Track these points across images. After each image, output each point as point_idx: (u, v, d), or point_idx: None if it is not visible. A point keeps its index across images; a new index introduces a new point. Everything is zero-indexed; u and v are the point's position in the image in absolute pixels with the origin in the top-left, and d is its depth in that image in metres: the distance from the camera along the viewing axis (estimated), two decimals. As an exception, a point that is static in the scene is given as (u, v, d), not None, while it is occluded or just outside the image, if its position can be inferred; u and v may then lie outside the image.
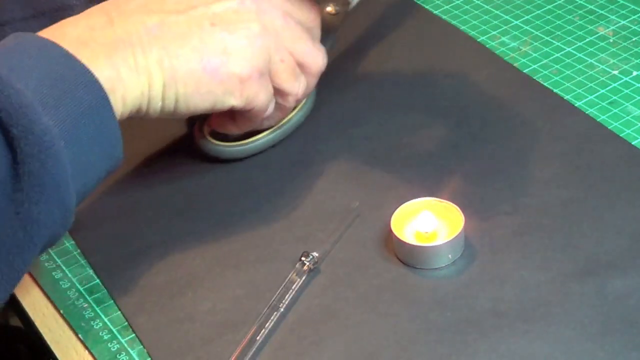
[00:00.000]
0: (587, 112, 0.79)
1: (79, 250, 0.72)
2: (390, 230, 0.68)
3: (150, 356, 0.64)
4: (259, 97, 0.71)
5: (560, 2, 0.93)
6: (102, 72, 0.63)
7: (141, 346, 0.65)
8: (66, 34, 0.66)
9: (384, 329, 0.63)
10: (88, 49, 0.64)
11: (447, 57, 0.87)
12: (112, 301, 0.68)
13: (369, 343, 0.63)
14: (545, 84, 0.83)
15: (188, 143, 0.81)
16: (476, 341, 0.62)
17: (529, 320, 0.62)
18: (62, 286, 0.70)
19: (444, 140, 0.78)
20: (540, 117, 0.79)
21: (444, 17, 0.92)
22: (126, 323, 0.66)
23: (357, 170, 0.76)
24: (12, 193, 0.57)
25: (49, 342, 0.67)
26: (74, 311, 0.68)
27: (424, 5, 0.94)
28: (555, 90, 0.82)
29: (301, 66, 0.73)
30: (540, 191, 0.72)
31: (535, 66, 0.85)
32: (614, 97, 0.80)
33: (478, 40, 0.89)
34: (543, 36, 0.89)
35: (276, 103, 0.74)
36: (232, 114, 0.74)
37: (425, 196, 0.70)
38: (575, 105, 0.80)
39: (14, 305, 0.71)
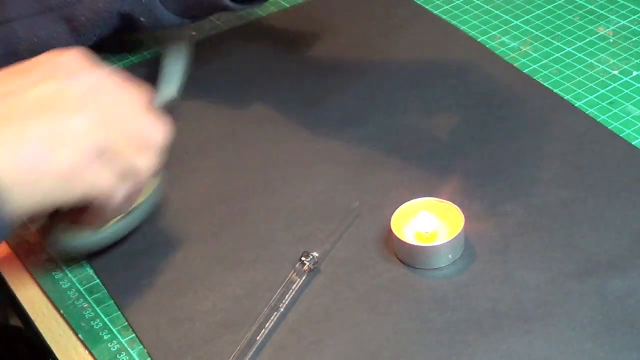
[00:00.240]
0: (587, 112, 0.79)
1: (79, 250, 0.72)
2: (390, 230, 0.68)
3: (150, 356, 0.64)
4: (98, 183, 0.63)
5: (560, 2, 0.93)
6: None
7: (141, 346, 0.65)
8: None
9: (384, 329, 0.63)
10: None
11: (447, 57, 0.87)
12: (112, 301, 0.68)
13: (369, 343, 0.63)
14: (545, 84, 0.83)
15: (189, 144, 0.81)
16: (476, 341, 0.62)
17: (529, 320, 0.62)
18: (62, 286, 0.70)
19: (444, 140, 0.78)
20: (540, 117, 0.79)
21: (444, 17, 0.92)
22: (126, 323, 0.66)
23: (357, 170, 0.76)
24: None
25: (49, 342, 0.67)
26: (74, 311, 0.68)
27: (424, 6, 0.94)
28: (555, 90, 0.82)
29: (141, 142, 0.66)
30: (540, 191, 0.72)
31: (535, 66, 0.85)
32: (614, 97, 0.80)
33: (478, 40, 0.89)
34: (543, 36, 0.89)
35: (123, 184, 0.66)
36: (83, 206, 0.66)
37: (425, 196, 0.70)
38: (575, 105, 0.80)
39: (14, 305, 0.71)
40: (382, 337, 0.63)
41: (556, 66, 0.85)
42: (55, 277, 0.70)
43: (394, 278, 0.67)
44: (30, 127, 0.60)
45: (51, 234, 0.70)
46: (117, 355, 0.64)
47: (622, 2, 0.92)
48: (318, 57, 0.89)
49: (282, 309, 0.65)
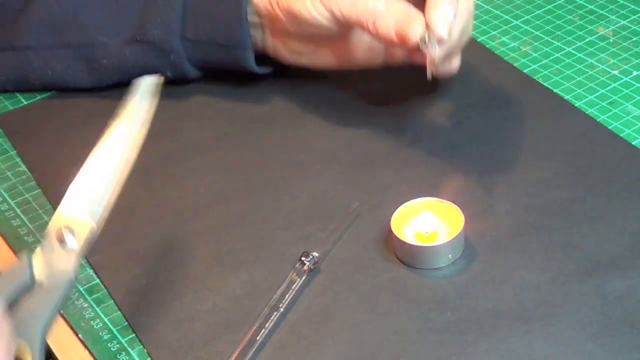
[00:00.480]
0: (587, 112, 0.79)
1: (79, 250, 0.72)
2: (390, 230, 0.68)
3: (150, 356, 0.64)
4: None
5: (560, 2, 0.93)
6: None
7: (141, 346, 0.65)
8: None
9: (384, 329, 0.63)
10: None
11: (447, 57, 0.87)
12: (112, 301, 0.68)
13: (369, 343, 0.63)
14: (545, 84, 0.83)
15: (188, 144, 0.81)
16: (476, 341, 0.62)
17: (529, 320, 0.62)
18: (62, 286, 0.70)
19: (444, 140, 0.78)
20: (540, 117, 0.79)
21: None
22: (126, 323, 0.66)
23: (357, 170, 0.76)
24: None
25: (49, 342, 0.67)
26: (74, 311, 0.68)
27: (424, 5, 0.94)
28: (555, 90, 0.82)
29: None
30: (540, 191, 0.72)
31: (535, 66, 0.85)
32: (614, 97, 0.80)
33: (478, 40, 0.89)
34: (543, 36, 0.89)
35: None
36: None
37: (425, 196, 0.70)
38: (575, 105, 0.80)
39: (14, 305, 0.71)
40: (382, 337, 0.63)
41: (556, 66, 0.85)
42: (55, 277, 0.70)
43: (394, 278, 0.67)
44: None
45: None
46: (117, 355, 0.64)
47: (622, 2, 0.92)
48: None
49: (282, 309, 0.65)
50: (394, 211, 0.69)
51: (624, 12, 0.91)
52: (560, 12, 0.92)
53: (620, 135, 0.76)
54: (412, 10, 0.72)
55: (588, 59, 0.85)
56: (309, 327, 0.64)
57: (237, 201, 0.75)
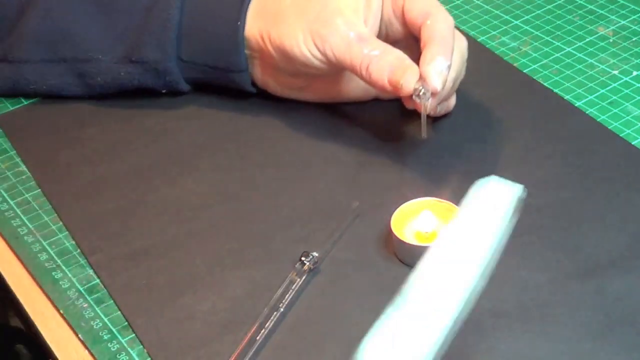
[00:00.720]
0: (587, 112, 0.79)
1: (79, 250, 0.72)
2: (390, 230, 0.68)
3: (150, 356, 0.64)
4: None
5: (560, 2, 0.93)
6: None
7: (141, 346, 0.65)
8: None
9: (384, 329, 0.63)
10: None
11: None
12: (112, 301, 0.68)
13: (369, 343, 0.62)
14: (545, 84, 0.83)
15: (188, 144, 0.81)
16: (476, 341, 0.62)
17: (529, 320, 0.62)
18: (62, 286, 0.70)
19: (444, 140, 0.78)
20: (540, 117, 0.79)
21: (444, 17, 0.92)
22: (126, 323, 0.66)
23: (357, 170, 0.76)
24: None
25: (49, 342, 0.67)
26: (74, 311, 0.68)
27: (424, 5, 0.94)
28: (555, 90, 0.82)
29: None
30: (540, 191, 0.72)
31: (535, 66, 0.85)
32: (614, 97, 0.80)
33: (478, 40, 0.89)
34: (543, 36, 0.89)
35: None
36: None
37: (425, 196, 0.70)
38: (575, 105, 0.80)
39: (14, 305, 0.71)
40: (382, 337, 0.63)
41: (556, 66, 0.85)
42: (55, 277, 0.70)
43: (394, 278, 0.67)
44: None
45: None
46: (117, 355, 0.64)
47: (622, 2, 0.92)
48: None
49: (282, 309, 0.65)
50: (394, 211, 0.69)
51: (624, 12, 0.91)
52: (560, 12, 0.92)
53: (620, 135, 0.76)
54: (407, 60, 0.71)
55: (588, 59, 0.85)
56: (309, 327, 0.64)
57: (237, 201, 0.75)
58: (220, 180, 0.77)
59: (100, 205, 0.75)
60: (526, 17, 0.92)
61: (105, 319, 0.67)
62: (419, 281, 0.45)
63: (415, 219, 0.68)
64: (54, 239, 0.73)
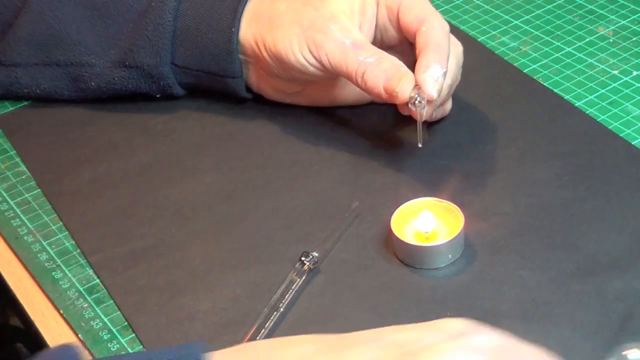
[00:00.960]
0: (587, 112, 0.79)
1: (79, 250, 0.72)
2: (390, 230, 0.68)
3: (150, 356, 0.64)
4: None
5: (560, 2, 0.93)
6: None
7: (141, 346, 0.65)
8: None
9: (384, 329, 0.63)
10: None
11: (447, 57, 0.87)
12: (112, 301, 0.68)
13: (369, 343, 0.63)
14: (545, 84, 0.83)
15: (188, 144, 0.81)
16: (476, 341, 0.62)
17: (529, 320, 0.62)
18: (62, 286, 0.70)
19: (444, 140, 0.78)
20: (540, 117, 0.79)
21: (444, 17, 0.92)
22: (126, 323, 0.66)
23: (357, 170, 0.76)
24: None
25: (49, 342, 0.67)
26: (74, 311, 0.68)
27: (424, 5, 0.94)
28: (555, 90, 0.82)
29: None
30: (540, 191, 0.72)
31: (535, 66, 0.85)
32: (614, 97, 0.80)
33: (478, 40, 0.89)
34: (543, 36, 0.89)
35: None
36: None
37: (425, 196, 0.70)
38: (575, 105, 0.80)
39: (14, 305, 0.71)
40: (382, 337, 0.63)
41: (556, 66, 0.85)
42: (55, 277, 0.70)
43: (394, 278, 0.67)
44: None
45: None
46: (117, 355, 0.64)
47: (622, 2, 0.92)
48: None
49: (282, 309, 0.65)
50: (394, 211, 0.69)
51: (624, 12, 0.91)
52: (560, 12, 0.92)
53: (620, 135, 0.76)
54: (402, 67, 0.71)
55: (588, 59, 0.85)
56: (309, 327, 0.64)
57: (237, 201, 0.75)
58: (220, 180, 0.77)
59: (100, 205, 0.75)
60: (526, 17, 0.92)
61: (105, 319, 0.67)
62: None
63: (415, 219, 0.68)
64: (54, 239, 0.73)
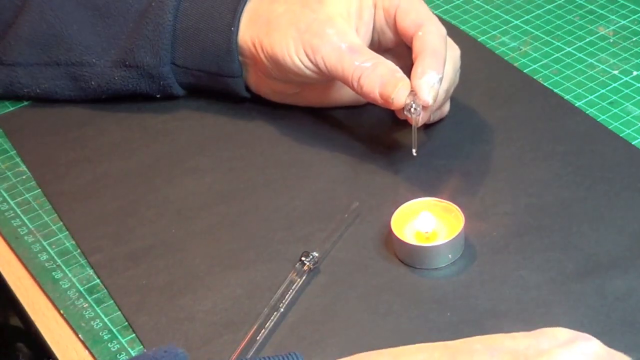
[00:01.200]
0: (587, 112, 0.79)
1: (79, 250, 0.72)
2: (390, 230, 0.68)
3: (150, 356, 0.64)
4: None
5: (560, 2, 0.93)
6: None
7: (141, 346, 0.65)
8: None
9: (384, 329, 0.63)
10: None
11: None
12: (112, 301, 0.68)
13: (369, 343, 0.62)
14: (545, 84, 0.83)
15: (188, 144, 0.81)
16: (476, 341, 0.62)
17: (529, 320, 0.62)
18: (62, 286, 0.70)
19: (444, 140, 0.78)
20: (540, 117, 0.79)
21: (444, 17, 0.92)
22: (126, 323, 0.66)
23: (357, 170, 0.76)
24: None
25: (49, 342, 0.67)
26: (74, 311, 0.68)
27: (424, 5, 0.94)
28: (555, 90, 0.82)
29: None
30: (540, 191, 0.72)
31: (535, 66, 0.85)
32: (614, 97, 0.80)
33: (478, 40, 0.89)
34: (543, 36, 0.89)
35: None
36: None
37: (425, 196, 0.70)
38: (575, 105, 0.80)
39: (14, 305, 0.71)
40: (382, 337, 0.63)
41: (556, 66, 0.85)
42: (55, 277, 0.70)
43: (394, 278, 0.67)
44: None
45: None
46: (117, 355, 0.64)
47: (622, 2, 0.92)
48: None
49: (282, 309, 0.65)
50: (394, 211, 0.69)
51: (624, 12, 0.91)
52: (560, 12, 0.92)
53: (620, 135, 0.76)
54: (399, 73, 0.71)
55: (588, 59, 0.85)
56: (309, 327, 0.64)
57: (237, 201, 0.75)
58: (220, 180, 0.77)
59: (100, 205, 0.75)
60: (526, 17, 0.92)
61: (105, 319, 0.67)
62: None
63: (415, 219, 0.68)
64: (54, 239, 0.73)
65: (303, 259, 0.67)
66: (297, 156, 0.78)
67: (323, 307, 0.66)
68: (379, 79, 0.71)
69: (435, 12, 0.93)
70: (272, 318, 0.64)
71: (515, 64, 0.85)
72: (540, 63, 0.85)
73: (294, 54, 0.74)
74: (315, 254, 0.68)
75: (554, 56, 0.86)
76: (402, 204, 0.69)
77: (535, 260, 0.67)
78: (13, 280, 0.71)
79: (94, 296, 0.69)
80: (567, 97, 0.81)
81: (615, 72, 0.83)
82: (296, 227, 0.71)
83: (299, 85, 0.79)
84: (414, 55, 0.72)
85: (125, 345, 0.65)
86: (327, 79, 0.75)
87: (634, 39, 0.87)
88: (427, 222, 0.68)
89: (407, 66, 0.72)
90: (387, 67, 0.71)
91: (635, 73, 0.83)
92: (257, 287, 0.67)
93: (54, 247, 0.73)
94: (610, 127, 0.77)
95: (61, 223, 0.75)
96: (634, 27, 0.89)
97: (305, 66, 0.74)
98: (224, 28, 0.78)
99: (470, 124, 0.79)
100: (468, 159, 0.76)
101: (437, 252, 0.67)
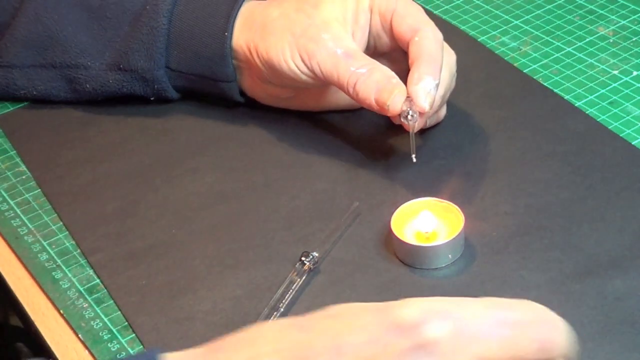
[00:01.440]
0: (587, 112, 0.79)
1: (79, 250, 0.72)
2: (390, 230, 0.68)
3: (150, 356, 0.64)
4: None
5: (560, 2, 0.93)
6: None
7: (141, 346, 0.65)
8: None
9: (384, 329, 0.63)
10: None
11: (447, 57, 0.87)
12: (112, 301, 0.68)
13: (369, 343, 0.62)
14: (545, 84, 0.83)
15: (188, 144, 0.81)
16: (476, 341, 0.62)
17: (529, 320, 0.62)
18: (62, 286, 0.70)
19: (444, 140, 0.78)
20: (540, 117, 0.79)
21: (444, 17, 0.92)
22: (126, 323, 0.66)
23: (357, 170, 0.76)
24: None
25: (49, 342, 0.67)
26: (74, 311, 0.68)
27: (424, 6, 0.94)
28: (555, 90, 0.82)
29: None
30: (540, 191, 0.72)
31: (535, 66, 0.85)
32: (614, 97, 0.80)
33: (478, 40, 0.89)
34: (543, 36, 0.89)
35: None
36: None
37: (425, 196, 0.70)
38: (575, 105, 0.80)
39: (14, 305, 0.71)
40: (382, 337, 0.63)
41: (556, 66, 0.85)
42: (55, 277, 0.70)
43: (394, 278, 0.67)
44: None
45: None
46: (117, 355, 0.64)
47: (622, 2, 0.92)
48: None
49: (282, 309, 0.65)
50: (394, 211, 0.69)
51: (624, 12, 0.91)
52: (560, 12, 0.92)
53: (620, 135, 0.76)
54: (394, 79, 0.71)
55: (588, 59, 0.85)
56: (309, 327, 0.64)
57: (237, 201, 0.75)
58: (220, 180, 0.77)
59: (100, 205, 0.75)
60: (526, 17, 0.92)
61: (105, 319, 0.67)
62: None
63: (415, 219, 0.68)
64: (54, 239, 0.73)
65: (303, 259, 0.67)
66: (297, 156, 0.78)
67: (323, 307, 0.65)
68: (375, 85, 0.70)
69: (435, 12, 0.93)
70: (272, 318, 0.64)
71: (515, 64, 0.85)
72: (540, 63, 0.85)
73: (289, 58, 0.74)
74: (315, 254, 0.68)
75: (554, 56, 0.86)
76: (402, 204, 0.69)
77: (535, 260, 0.67)
78: (13, 280, 0.71)
79: (94, 296, 0.69)
80: (567, 97, 0.81)
81: (615, 72, 0.83)
82: (296, 227, 0.71)
83: (294, 90, 0.79)
84: (410, 61, 0.72)
85: (125, 345, 0.65)
86: (322, 84, 0.75)
87: (634, 39, 0.87)
88: (427, 222, 0.68)
89: (404, 71, 0.72)
90: (383, 73, 0.71)
91: (635, 73, 0.83)
92: (257, 287, 0.67)
93: (54, 247, 0.73)
94: (610, 127, 0.77)
95: (61, 223, 0.75)
96: (634, 27, 0.89)
97: (301, 71, 0.74)
98: (218, 33, 0.78)
99: (470, 124, 0.79)
100: (468, 159, 0.76)
101: (437, 252, 0.67)
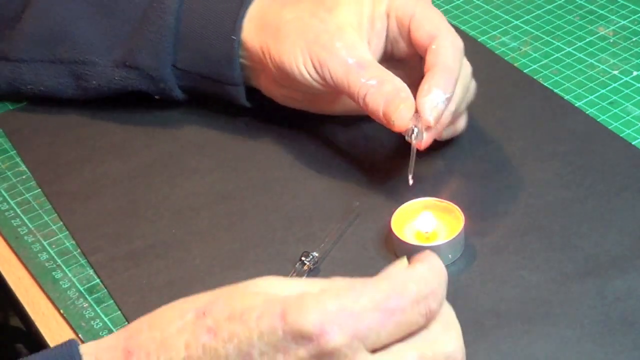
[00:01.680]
0: (587, 112, 0.79)
1: (79, 250, 0.72)
2: (390, 230, 0.68)
3: (150, 356, 0.64)
4: None
5: (560, 2, 0.93)
6: None
7: (141, 346, 0.65)
8: None
9: (384, 329, 0.63)
10: None
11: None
12: (112, 301, 0.68)
13: (369, 343, 0.62)
14: (545, 84, 0.83)
15: (188, 144, 0.81)
16: (476, 341, 0.62)
17: (529, 320, 0.62)
18: (62, 286, 0.70)
19: (444, 140, 0.78)
20: (540, 117, 0.79)
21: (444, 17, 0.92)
22: (126, 323, 0.66)
23: (357, 170, 0.76)
24: None
25: (49, 342, 0.67)
26: (74, 311, 0.68)
27: (424, 5, 0.94)
28: (555, 90, 0.82)
29: None
30: (540, 191, 0.72)
31: (535, 66, 0.85)
32: (614, 97, 0.80)
33: (478, 40, 0.89)
34: (543, 36, 0.89)
35: None
36: None
37: (425, 196, 0.70)
38: (575, 105, 0.80)
39: (14, 305, 0.71)
40: (382, 337, 0.63)
41: (556, 66, 0.85)
42: (55, 277, 0.70)
43: (394, 278, 0.67)
44: None
45: None
46: (117, 355, 0.64)
47: (622, 2, 0.92)
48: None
49: (282, 309, 0.65)
50: (394, 211, 0.69)
51: (624, 12, 0.91)
52: (560, 12, 0.92)
53: (620, 135, 0.76)
54: (403, 92, 0.68)
55: (588, 59, 0.85)
56: (309, 327, 0.64)
57: (237, 201, 0.75)
58: (220, 180, 0.77)
59: (100, 205, 0.75)
60: (526, 17, 0.92)
61: (105, 319, 0.67)
62: None
63: (415, 219, 0.68)
64: (54, 239, 0.73)
65: (303, 259, 0.67)
66: (297, 156, 0.78)
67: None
68: (384, 98, 0.68)
69: (435, 12, 0.93)
70: (272, 318, 0.64)
71: (515, 64, 0.85)
72: (540, 63, 0.85)
73: (301, 65, 0.72)
74: (315, 254, 0.68)
75: (554, 56, 0.86)
76: (402, 204, 0.69)
77: (535, 260, 0.67)
78: (13, 280, 0.71)
79: (94, 296, 0.69)
80: (567, 97, 0.81)
81: (615, 72, 0.83)
82: (296, 227, 0.71)
83: (306, 94, 0.78)
84: (425, 70, 0.69)
85: (125, 345, 0.65)
86: (334, 91, 0.73)
87: (634, 39, 0.87)
88: (427, 222, 0.68)
89: (421, 78, 0.69)
90: (394, 86, 0.69)
91: (635, 73, 0.83)
92: (257, 287, 0.67)
93: (54, 247, 0.73)
94: (610, 127, 0.77)
95: (61, 223, 0.75)
96: (634, 27, 0.89)
97: (312, 78, 0.72)
98: (225, 35, 0.77)
99: (470, 124, 0.79)
100: (468, 159, 0.76)
101: (437, 252, 0.66)
